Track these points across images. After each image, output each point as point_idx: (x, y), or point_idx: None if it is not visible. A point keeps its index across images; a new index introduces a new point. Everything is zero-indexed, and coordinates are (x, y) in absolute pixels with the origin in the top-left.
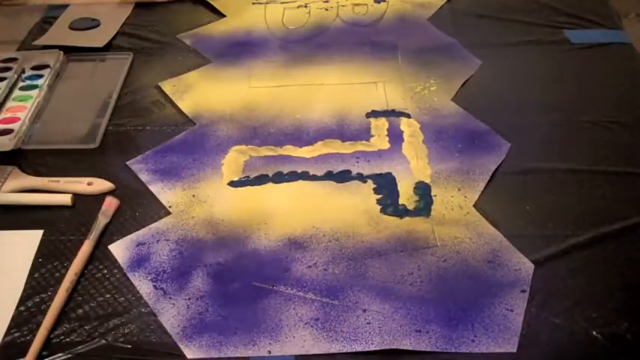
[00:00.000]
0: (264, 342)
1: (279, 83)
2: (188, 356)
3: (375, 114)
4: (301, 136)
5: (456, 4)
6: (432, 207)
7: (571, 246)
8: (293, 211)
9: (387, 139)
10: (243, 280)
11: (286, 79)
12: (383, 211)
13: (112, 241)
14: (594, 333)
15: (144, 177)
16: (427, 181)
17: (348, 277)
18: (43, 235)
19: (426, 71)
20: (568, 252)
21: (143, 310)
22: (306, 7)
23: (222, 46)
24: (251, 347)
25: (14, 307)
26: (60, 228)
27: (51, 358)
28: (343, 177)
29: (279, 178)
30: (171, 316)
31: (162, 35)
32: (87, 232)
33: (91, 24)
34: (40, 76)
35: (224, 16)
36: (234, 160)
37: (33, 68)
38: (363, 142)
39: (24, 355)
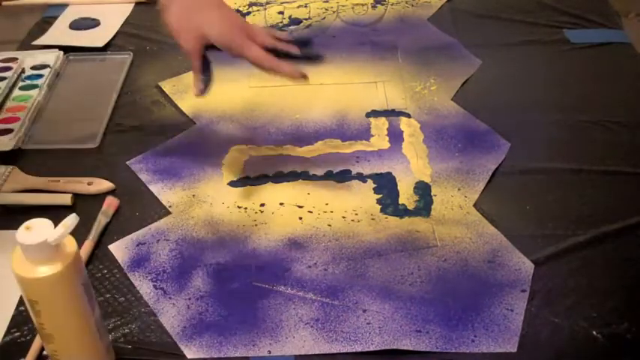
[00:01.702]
0: (264, 342)
1: (279, 83)
2: (188, 356)
3: (375, 114)
4: (301, 135)
5: (456, 4)
6: (432, 207)
7: (571, 246)
8: (293, 211)
9: (387, 138)
10: (243, 280)
11: (286, 79)
12: (383, 210)
13: (112, 241)
14: (594, 333)
15: (144, 177)
16: (427, 180)
17: (348, 277)
18: None
19: (426, 71)
20: (568, 252)
21: (143, 310)
22: (306, 7)
23: None
24: (251, 347)
25: (14, 307)
26: None
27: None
28: (343, 177)
29: (279, 177)
30: (171, 316)
31: (162, 35)
32: (87, 232)
33: (91, 24)
34: (40, 76)
35: None
36: (234, 160)
37: (33, 68)
38: (363, 141)
39: (24, 355)
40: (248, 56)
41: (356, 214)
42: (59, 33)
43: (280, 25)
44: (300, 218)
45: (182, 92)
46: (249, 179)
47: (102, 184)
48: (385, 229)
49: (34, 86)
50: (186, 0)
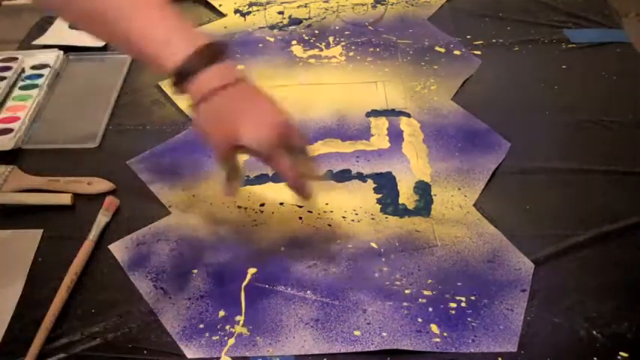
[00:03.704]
0: (264, 342)
1: (279, 83)
2: (188, 356)
3: (375, 113)
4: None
5: (456, 3)
6: (432, 206)
7: (571, 246)
8: (293, 211)
9: (387, 138)
10: (243, 280)
11: (286, 79)
12: (383, 210)
13: (112, 241)
14: (594, 333)
15: (144, 177)
16: (427, 180)
17: (348, 277)
18: (43, 235)
19: (425, 71)
20: (568, 252)
21: (143, 310)
22: (306, 6)
23: None
24: (251, 347)
25: (14, 307)
26: (60, 228)
27: (51, 358)
28: (343, 176)
29: (279, 177)
30: (171, 316)
31: None
32: (87, 232)
33: None
34: (40, 76)
35: (224, 15)
36: None
37: (33, 68)
38: (363, 141)
39: (24, 355)
40: (276, 169)
41: (356, 214)
42: (59, 33)
43: (280, 25)
44: (300, 218)
45: None
46: (249, 179)
47: (102, 184)
48: (385, 229)
49: (34, 86)
50: (219, 100)
